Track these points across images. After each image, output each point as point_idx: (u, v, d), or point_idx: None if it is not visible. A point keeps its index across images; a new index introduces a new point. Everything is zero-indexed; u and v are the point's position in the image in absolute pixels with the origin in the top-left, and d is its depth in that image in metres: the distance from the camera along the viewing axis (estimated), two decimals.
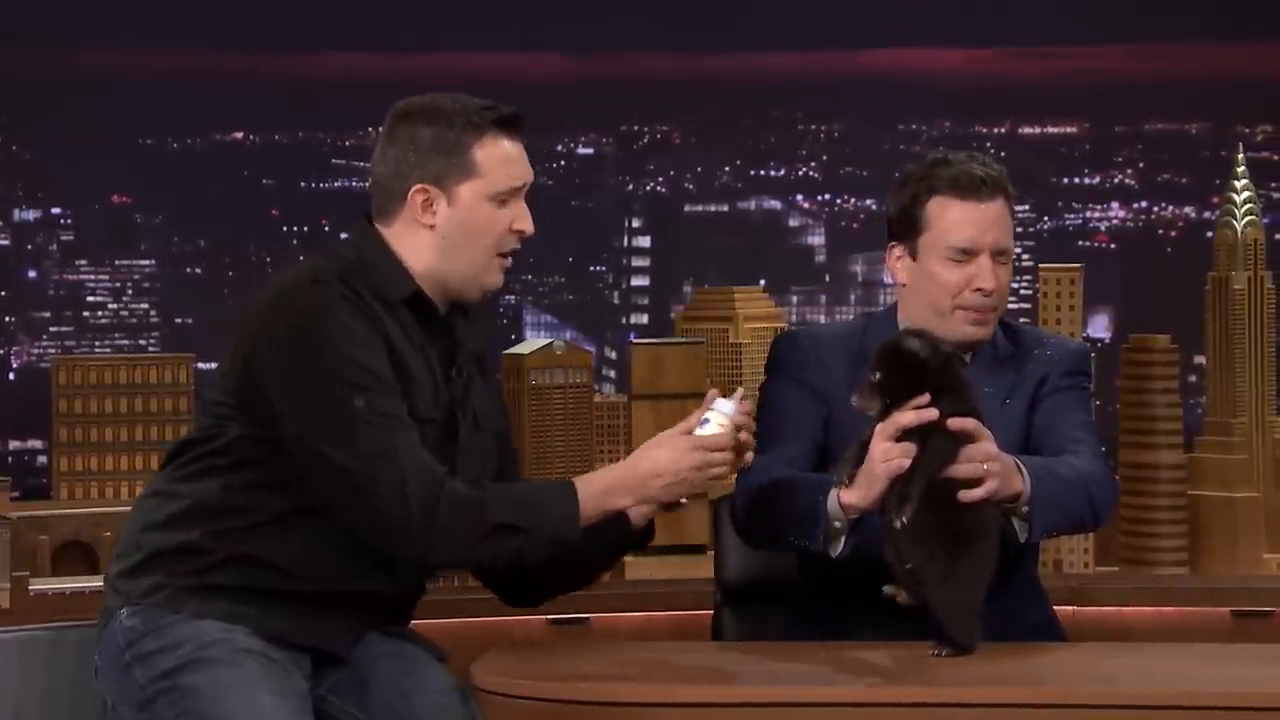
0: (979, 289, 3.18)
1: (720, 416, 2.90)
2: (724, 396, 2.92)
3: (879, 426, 2.93)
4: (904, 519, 2.88)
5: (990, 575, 2.93)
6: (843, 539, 3.03)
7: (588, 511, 2.85)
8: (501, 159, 2.94)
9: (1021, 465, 3.00)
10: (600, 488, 2.87)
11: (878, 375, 2.92)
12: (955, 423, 2.91)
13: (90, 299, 39.13)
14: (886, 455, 2.91)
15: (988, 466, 2.91)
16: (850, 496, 2.99)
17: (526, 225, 2.96)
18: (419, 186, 2.91)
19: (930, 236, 3.21)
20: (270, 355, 2.82)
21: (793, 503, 3.08)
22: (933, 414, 2.90)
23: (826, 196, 40.70)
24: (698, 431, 2.89)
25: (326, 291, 2.83)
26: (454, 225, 2.93)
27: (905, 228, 3.24)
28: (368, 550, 2.86)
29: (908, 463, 2.90)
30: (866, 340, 3.22)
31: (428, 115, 2.93)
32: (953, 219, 3.20)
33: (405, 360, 2.86)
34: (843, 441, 3.09)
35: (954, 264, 3.20)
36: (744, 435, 2.90)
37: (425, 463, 2.79)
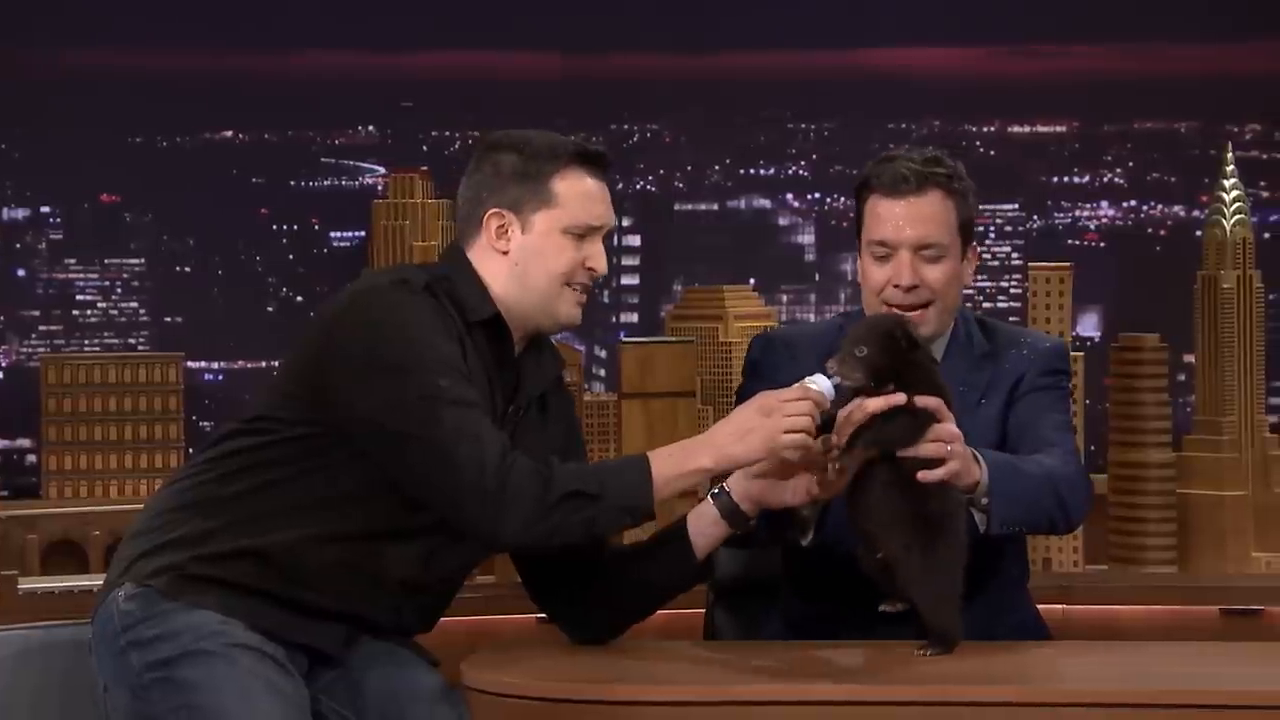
0: (897, 285, 3.19)
1: (808, 382, 2.88)
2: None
3: (843, 412, 2.92)
4: (840, 464, 2.87)
5: (964, 560, 2.93)
6: (812, 527, 3.02)
7: (663, 473, 2.85)
8: (581, 193, 2.98)
9: (979, 455, 3.00)
10: (673, 449, 2.89)
11: (864, 350, 2.91)
12: (922, 400, 2.91)
13: (79, 297, 39.01)
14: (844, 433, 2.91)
15: (951, 447, 2.91)
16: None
17: (600, 265, 3.01)
18: (494, 211, 2.95)
19: (864, 232, 3.24)
20: (351, 341, 2.87)
21: None
22: (900, 398, 2.90)
23: (816, 195, 40.64)
24: None
25: (409, 292, 2.86)
26: (526, 253, 2.97)
27: (856, 226, 3.27)
28: (384, 587, 2.87)
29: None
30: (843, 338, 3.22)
31: (512, 144, 2.99)
32: (876, 215, 3.23)
33: (471, 383, 2.87)
34: None
35: (877, 261, 3.21)
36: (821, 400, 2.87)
37: (500, 439, 2.84)
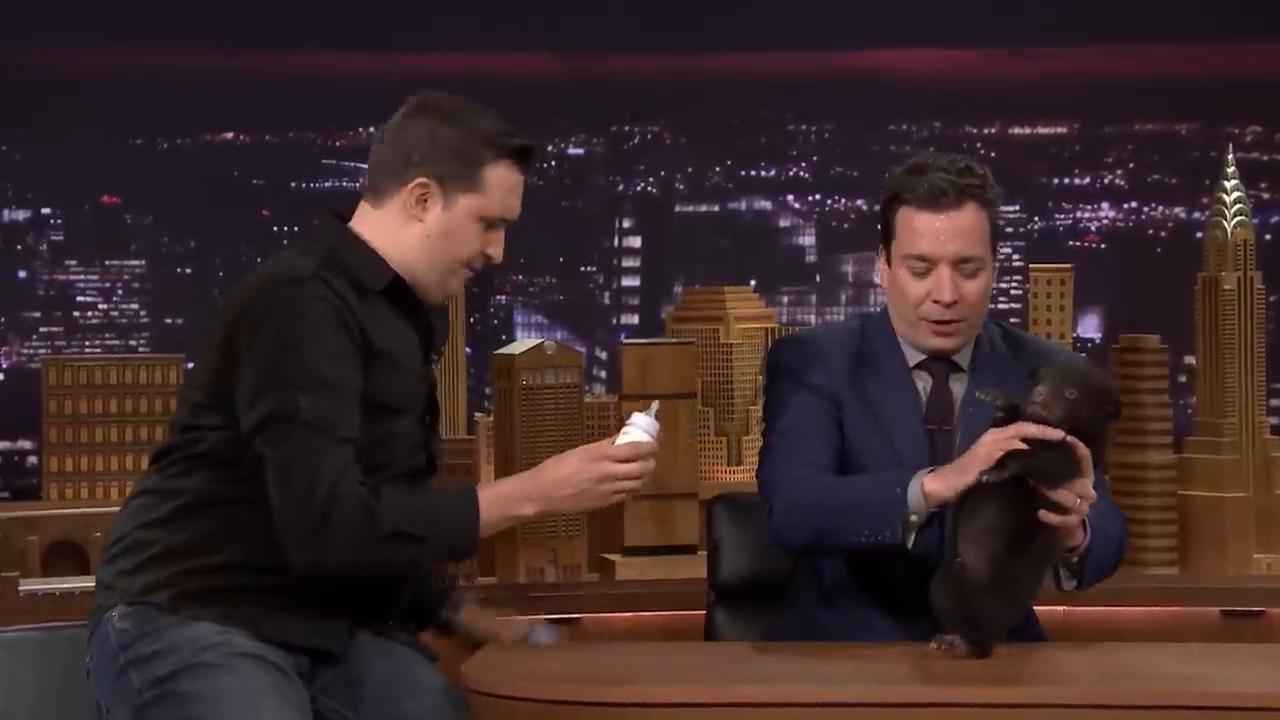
0: (937, 300, 3.18)
1: (636, 432, 2.88)
2: (641, 411, 2.90)
3: (999, 429, 2.93)
4: (991, 476, 2.88)
5: (1034, 601, 2.97)
6: (914, 532, 3.03)
7: (489, 519, 2.85)
8: (506, 187, 2.97)
9: (1085, 521, 3.02)
10: (503, 493, 2.87)
11: (1074, 394, 2.92)
12: (1073, 441, 2.91)
13: (80, 299, 39.15)
14: (995, 440, 2.92)
15: (1080, 503, 2.93)
16: (936, 483, 2.98)
17: (499, 255, 3.01)
18: (421, 180, 2.92)
19: (897, 245, 3.21)
20: (241, 352, 2.84)
21: (861, 498, 3.06)
22: (1058, 434, 2.90)
23: (816, 197, 40.76)
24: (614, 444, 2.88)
25: (304, 292, 2.83)
26: (440, 229, 2.95)
27: (883, 234, 3.25)
28: None
29: (1013, 445, 2.91)
30: (867, 341, 3.22)
31: (453, 117, 2.95)
32: (913, 229, 3.19)
33: (386, 347, 2.87)
34: (856, 442, 3.11)
35: (915, 275, 3.19)
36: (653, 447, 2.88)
37: (338, 469, 2.79)
